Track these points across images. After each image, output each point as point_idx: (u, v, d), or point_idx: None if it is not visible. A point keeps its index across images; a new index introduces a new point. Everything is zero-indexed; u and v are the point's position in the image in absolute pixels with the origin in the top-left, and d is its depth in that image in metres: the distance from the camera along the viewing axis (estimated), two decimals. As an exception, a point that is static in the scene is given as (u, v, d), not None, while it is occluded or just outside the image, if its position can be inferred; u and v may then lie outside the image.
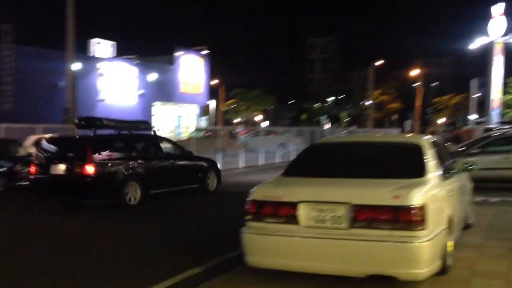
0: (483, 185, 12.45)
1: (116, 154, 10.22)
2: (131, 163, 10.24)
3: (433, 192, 4.78)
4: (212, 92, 59.15)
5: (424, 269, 4.32)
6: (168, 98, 46.14)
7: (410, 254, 4.26)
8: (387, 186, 4.53)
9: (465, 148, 14.05)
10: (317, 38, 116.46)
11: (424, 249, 4.28)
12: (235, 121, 72.16)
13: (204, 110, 54.85)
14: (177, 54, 47.01)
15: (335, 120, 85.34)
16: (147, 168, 10.51)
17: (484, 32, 37.22)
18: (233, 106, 72.60)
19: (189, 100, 48.91)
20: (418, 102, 59.74)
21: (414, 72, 61.54)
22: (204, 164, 12.46)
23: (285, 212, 4.70)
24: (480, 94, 54.20)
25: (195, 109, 50.87)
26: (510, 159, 12.59)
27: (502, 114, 47.50)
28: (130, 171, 10.13)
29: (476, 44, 37.55)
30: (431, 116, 78.87)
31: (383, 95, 72.64)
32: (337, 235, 4.49)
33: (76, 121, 12.06)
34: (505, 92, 51.86)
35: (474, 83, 53.06)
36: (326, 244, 4.52)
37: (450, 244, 5.23)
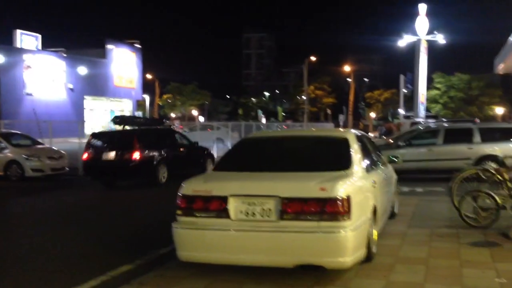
0: (410, 176, 13.13)
1: (151, 144, 12.65)
2: (161, 151, 12.78)
3: (357, 184, 4.97)
4: (147, 87, 58.09)
5: (349, 257, 4.49)
6: (100, 92, 44.80)
7: (336, 244, 4.42)
8: (314, 179, 4.66)
9: (393, 141, 14.68)
10: (252, 33, 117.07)
11: (349, 239, 4.45)
12: (171, 116, 71.26)
13: (139, 105, 53.79)
14: (109, 47, 45.70)
15: (271, 115, 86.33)
16: (170, 155, 13.10)
17: (412, 30, 38.93)
18: (169, 101, 71.63)
19: (122, 94, 47.78)
20: (351, 97, 61.63)
21: (347, 68, 63.40)
22: (204, 152, 15.44)
23: (216, 206, 4.73)
24: (409, 89, 56.68)
25: (129, 104, 49.75)
26: (434, 151, 13.27)
27: (428, 109, 49.98)
28: (161, 157, 12.66)
29: (404, 41, 39.14)
30: (364, 110, 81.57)
31: (318, 90, 74.26)
32: (267, 227, 4.58)
33: (113, 119, 14.49)
34: (431, 88, 54.58)
35: (402, 78, 55.35)
36: (257, 236, 4.59)
37: (374, 233, 5.46)
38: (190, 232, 4.76)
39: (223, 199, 4.71)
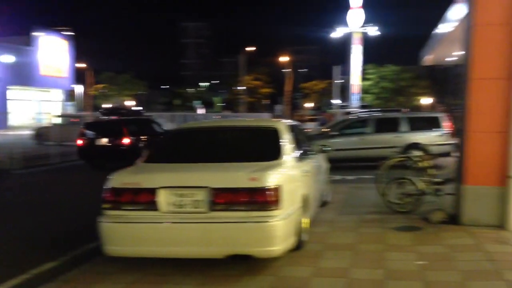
0: (342, 165, 13.52)
1: (136, 131, 14.23)
2: (143, 137, 14.22)
3: (288, 173, 5.04)
4: (81, 77, 56.00)
5: (279, 246, 4.56)
6: (26, 81, 42.41)
7: (265, 233, 4.47)
8: (245, 169, 4.69)
9: (326, 130, 15.03)
10: (190, 22, 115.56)
11: (279, 228, 4.51)
12: (105, 106, 69.18)
13: (70, 95, 51.76)
14: (35, 34, 43.44)
15: (209, 105, 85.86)
16: (151, 140, 13.97)
17: (345, 22, 39.92)
18: (103, 91, 69.44)
19: (51, 84, 45.64)
20: (288, 87, 62.40)
21: (284, 59, 64.08)
22: None
23: (145, 198, 4.65)
24: (343, 80, 58.18)
25: (59, 94, 47.70)
26: (365, 140, 13.73)
27: (361, 99, 51.53)
28: (144, 142, 13.92)
29: (337, 33, 40.08)
30: (300, 100, 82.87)
31: (255, 80, 74.64)
32: (197, 219, 4.56)
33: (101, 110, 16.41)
34: (363, 79, 56.28)
35: (336, 69, 56.72)
36: (187, 228, 4.56)
37: (305, 221, 5.58)
38: (118, 226, 4.65)
39: (153, 191, 4.63)
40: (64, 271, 4.91)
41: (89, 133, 14.56)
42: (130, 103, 69.84)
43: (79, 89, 55.37)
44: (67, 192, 10.45)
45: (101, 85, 68.69)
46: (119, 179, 4.79)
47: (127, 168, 5.16)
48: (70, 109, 47.70)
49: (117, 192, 4.71)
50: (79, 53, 50.83)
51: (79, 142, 14.39)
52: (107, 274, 4.85)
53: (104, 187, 4.79)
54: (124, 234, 4.66)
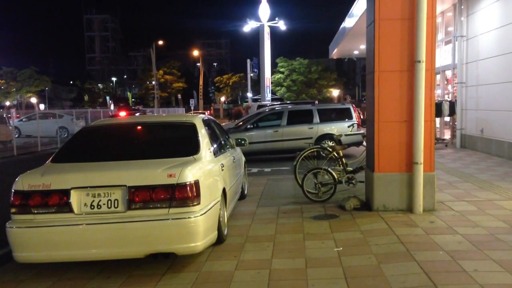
0: (259, 157, 13.70)
1: None
2: None
3: (206, 168, 5.00)
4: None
5: (200, 241, 4.52)
6: None
7: (186, 229, 4.41)
8: (162, 165, 4.58)
9: (241, 123, 15.13)
10: (95, 15, 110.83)
11: (200, 223, 4.47)
12: (5, 104, 64.69)
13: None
14: None
15: (120, 101, 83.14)
16: None
17: (257, 16, 40.35)
18: (2, 88, 64.82)
19: None
20: (201, 81, 62.09)
21: (196, 52, 63.57)
22: None
23: (56, 200, 4.40)
24: (255, 73, 58.92)
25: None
26: (279, 132, 14.00)
27: (274, 92, 52.46)
28: None
29: (248, 27, 40.41)
30: (214, 94, 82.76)
31: (167, 74, 73.43)
32: (114, 219, 4.39)
33: None
34: (275, 72, 57.35)
35: (249, 63, 57.30)
36: (104, 229, 4.38)
37: (225, 215, 5.59)
38: (28, 231, 4.36)
39: (64, 193, 4.40)
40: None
41: None
42: (33, 100, 65.90)
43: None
44: None
45: (-1, 81, 64.13)
46: (26, 182, 4.48)
47: (35, 169, 4.84)
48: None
49: (25, 195, 4.41)
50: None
51: None
52: (18, 282, 4.55)
53: (11, 190, 4.47)
54: (36, 239, 4.37)
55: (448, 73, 17.06)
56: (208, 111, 36.84)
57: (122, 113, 13.50)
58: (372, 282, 4.10)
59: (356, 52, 29.79)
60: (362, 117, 16.38)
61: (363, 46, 25.39)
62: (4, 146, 20.78)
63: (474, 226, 5.65)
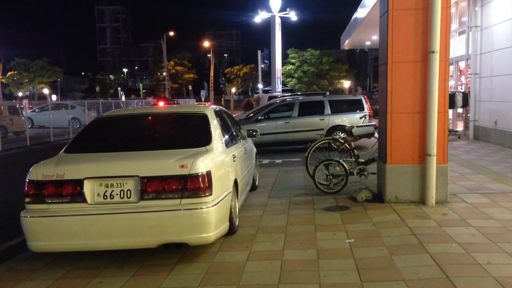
0: (270, 149, 13.69)
1: None
2: None
3: (218, 159, 5.01)
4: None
5: (212, 232, 4.53)
6: None
7: (198, 220, 4.42)
8: (174, 156, 4.59)
9: (252, 115, 15.11)
10: (106, 5, 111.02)
11: (211, 214, 4.48)
12: (18, 95, 65.25)
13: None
14: None
15: (132, 92, 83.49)
16: None
17: (267, 7, 40.16)
18: (15, 78, 65.31)
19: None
20: (212, 72, 62.06)
21: (207, 43, 63.47)
22: None
23: (70, 190, 4.43)
24: (266, 64, 58.69)
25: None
26: (290, 124, 13.96)
27: (284, 83, 52.30)
28: None
29: (259, 17, 40.24)
30: (225, 85, 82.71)
31: (178, 66, 73.48)
32: (127, 209, 4.42)
33: None
34: (286, 63, 57.12)
35: (260, 54, 57.12)
36: (117, 219, 4.41)
37: (236, 206, 5.59)
38: (42, 220, 4.40)
39: (78, 183, 4.43)
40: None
41: None
42: (45, 90, 66.37)
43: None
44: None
45: (12, 72, 64.60)
46: (40, 171, 4.52)
47: (49, 159, 4.88)
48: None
49: (39, 185, 4.45)
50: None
51: None
52: (33, 271, 4.60)
53: (25, 180, 4.51)
54: (50, 228, 4.41)
55: (462, 64, 16.87)
56: (209, 103, 36.38)
57: (161, 103, 15.19)
58: (384, 274, 4.08)
59: (368, 43, 29.55)
60: (372, 108, 16.25)
61: (375, 37, 25.17)
62: (17, 137, 21.02)
63: (488, 219, 5.60)
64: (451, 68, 16.81)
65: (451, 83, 16.89)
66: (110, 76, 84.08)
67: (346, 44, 30.94)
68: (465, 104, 14.82)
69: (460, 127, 16.59)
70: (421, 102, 6.33)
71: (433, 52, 6.14)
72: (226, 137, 5.85)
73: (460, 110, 16.45)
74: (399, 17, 6.35)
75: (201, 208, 4.41)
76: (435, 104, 6.18)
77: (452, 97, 14.33)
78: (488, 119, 13.70)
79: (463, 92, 15.12)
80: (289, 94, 31.16)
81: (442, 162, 6.36)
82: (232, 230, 5.22)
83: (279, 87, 41.55)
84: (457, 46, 16.69)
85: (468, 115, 15.25)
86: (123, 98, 52.72)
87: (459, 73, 17.23)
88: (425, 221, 5.58)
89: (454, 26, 16.64)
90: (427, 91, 6.23)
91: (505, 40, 12.58)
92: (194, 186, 4.42)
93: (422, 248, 4.65)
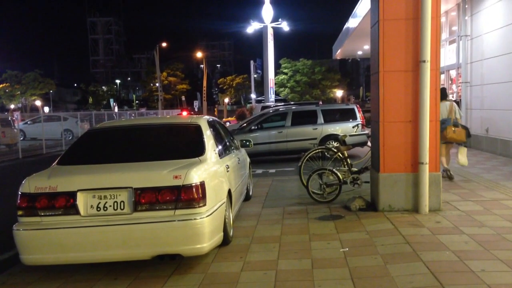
0: (263, 158, 13.70)
1: None
2: None
3: (211, 170, 5.01)
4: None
5: (206, 243, 4.52)
6: None
7: (192, 231, 4.41)
8: (167, 167, 4.59)
9: (246, 125, 15.13)
10: (98, 17, 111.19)
11: (206, 225, 4.47)
12: (10, 107, 64.97)
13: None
14: None
15: (125, 103, 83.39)
16: None
17: (259, 17, 40.36)
18: (7, 91, 65.07)
19: None
20: (204, 83, 62.12)
21: (199, 54, 63.60)
22: None
23: (63, 203, 4.42)
24: (259, 74, 58.92)
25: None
26: (284, 133, 14.00)
27: (277, 93, 52.44)
28: None
29: (252, 28, 40.42)
30: (218, 96, 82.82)
31: (171, 76, 73.53)
32: (121, 220, 4.40)
33: None
34: (278, 73, 57.33)
35: (252, 64, 57.31)
36: (110, 231, 4.39)
37: (231, 217, 5.59)
38: (35, 233, 4.38)
39: (71, 195, 4.41)
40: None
41: None
42: (37, 102, 66.16)
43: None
44: None
45: (3, 85, 64.40)
46: (32, 184, 4.50)
47: (42, 171, 4.86)
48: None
49: (32, 197, 4.43)
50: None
51: None
52: (26, 285, 4.56)
53: (18, 193, 4.49)
54: (43, 241, 4.39)
55: (453, 73, 17.02)
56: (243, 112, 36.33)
57: (184, 113, 16.11)
58: (379, 283, 4.09)
59: (359, 52, 29.76)
60: (364, 117, 16.31)
61: (367, 47, 25.35)
62: (9, 149, 20.89)
63: (481, 226, 5.63)
64: (442, 76, 16.96)
65: (443, 91, 17.00)
66: (103, 87, 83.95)
67: (338, 53, 31.13)
68: (457, 112, 14.92)
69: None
70: (412, 111, 6.38)
71: (424, 61, 6.20)
72: (220, 147, 5.86)
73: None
74: (389, 27, 6.41)
75: (195, 219, 4.41)
76: (426, 112, 6.23)
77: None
78: (480, 127, 13.80)
79: (454, 100, 15.23)
80: (282, 103, 31.25)
81: (435, 170, 6.40)
82: (226, 240, 5.21)
83: (272, 97, 41.63)
84: (448, 55, 16.85)
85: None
86: (116, 109, 52.64)
87: (450, 82, 17.38)
88: (419, 229, 5.60)
89: (444, 35, 16.81)
90: (418, 100, 6.28)
91: (495, 48, 12.72)
92: (188, 197, 4.41)
93: (416, 256, 4.66)
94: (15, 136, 21.56)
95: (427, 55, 6.19)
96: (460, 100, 14.99)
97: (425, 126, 6.23)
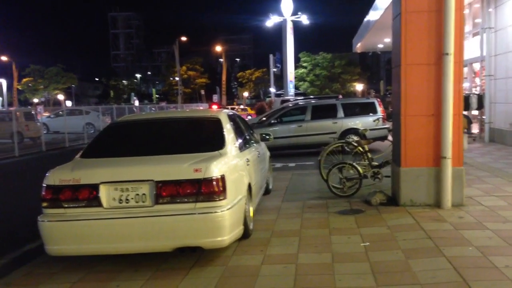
0: (283, 152, 13.68)
1: None
2: None
3: (232, 163, 5.02)
4: (3, 70, 53.07)
5: (227, 236, 4.55)
6: None
7: (213, 224, 4.44)
8: (188, 160, 4.62)
9: (265, 119, 15.12)
10: (119, 12, 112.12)
11: (226, 218, 4.49)
12: (33, 101, 66.06)
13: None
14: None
15: (144, 97, 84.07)
16: None
17: (279, 10, 40.22)
18: (30, 85, 66.14)
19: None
20: (224, 77, 62.25)
21: (218, 48, 63.72)
22: None
23: (86, 195, 4.48)
24: (278, 68, 58.77)
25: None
26: (303, 127, 13.95)
27: (297, 87, 52.25)
28: None
29: (271, 21, 40.31)
30: (237, 90, 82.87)
31: (190, 70, 73.76)
32: (142, 213, 4.45)
33: None
34: (298, 66, 57.09)
35: (272, 58, 57.15)
36: (132, 223, 4.44)
37: (250, 210, 5.60)
38: (59, 225, 4.46)
39: (94, 187, 4.47)
40: (5, 274, 4.66)
41: None
42: (60, 96, 67.11)
43: (3, 83, 52.40)
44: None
45: (27, 79, 65.47)
46: (56, 176, 4.58)
47: (65, 164, 4.94)
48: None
49: (56, 189, 4.51)
50: (3, 46, 48.14)
51: None
52: (50, 274, 4.65)
53: (42, 185, 4.57)
54: (66, 232, 4.47)
55: (476, 66, 16.72)
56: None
57: (214, 107, 16.44)
58: (400, 278, 4.06)
59: (380, 45, 29.41)
60: (385, 111, 16.16)
61: (387, 39, 25.05)
62: (33, 142, 21.26)
63: (505, 222, 5.54)
64: (465, 70, 16.67)
65: (465, 85, 16.75)
66: (124, 81, 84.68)
67: (358, 47, 30.84)
68: (480, 106, 14.68)
69: (475, 129, 16.43)
70: (435, 105, 6.29)
71: (447, 54, 6.10)
72: (240, 141, 5.87)
73: (475, 112, 16.30)
74: (412, 20, 6.32)
75: (215, 212, 4.43)
76: (449, 106, 6.14)
77: (466, 99, 14.21)
78: (504, 121, 13.55)
79: (477, 94, 14.98)
80: (302, 97, 31.12)
81: (458, 164, 6.30)
82: (246, 233, 5.22)
83: (291, 91, 41.52)
84: (471, 48, 16.55)
85: (483, 117, 15.09)
86: (137, 103, 53.10)
87: (473, 75, 17.08)
88: (441, 224, 5.53)
89: (467, 27, 16.51)
90: (441, 93, 6.19)
91: (520, 41, 12.45)
92: (208, 190, 4.43)
93: (438, 251, 4.61)
94: (38, 129, 21.94)
95: (451, 47, 6.09)
96: (484, 93, 14.72)
97: (448, 120, 6.14)
